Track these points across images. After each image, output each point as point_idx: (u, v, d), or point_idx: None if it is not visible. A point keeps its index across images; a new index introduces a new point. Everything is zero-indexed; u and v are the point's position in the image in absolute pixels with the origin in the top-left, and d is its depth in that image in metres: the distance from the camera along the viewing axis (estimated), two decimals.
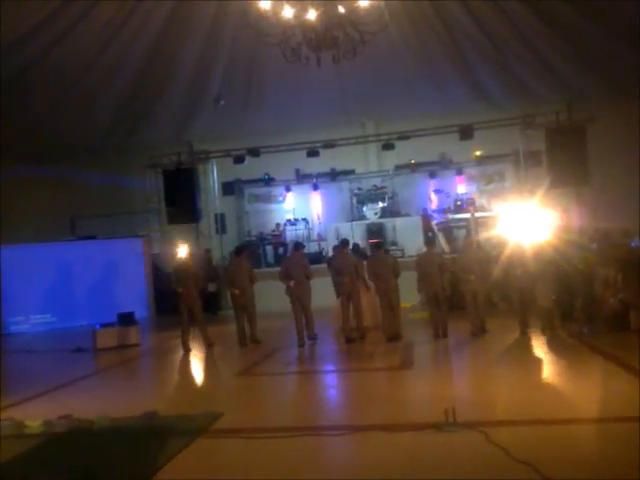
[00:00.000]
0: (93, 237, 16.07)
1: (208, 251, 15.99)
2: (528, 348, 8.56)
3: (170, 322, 14.28)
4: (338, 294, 10.00)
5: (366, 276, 9.81)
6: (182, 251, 11.15)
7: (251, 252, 15.46)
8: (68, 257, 15.24)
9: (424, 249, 10.77)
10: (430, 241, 11.43)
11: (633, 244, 10.73)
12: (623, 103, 14.88)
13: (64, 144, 16.46)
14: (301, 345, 9.68)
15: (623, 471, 4.08)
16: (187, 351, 10.02)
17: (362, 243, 16.12)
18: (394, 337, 9.43)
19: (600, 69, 14.22)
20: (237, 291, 9.96)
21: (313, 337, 9.90)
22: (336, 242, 14.46)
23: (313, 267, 10.51)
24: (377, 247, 10.57)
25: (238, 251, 10.73)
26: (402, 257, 14.17)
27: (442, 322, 9.45)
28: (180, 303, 10.16)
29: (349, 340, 9.58)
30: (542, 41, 13.49)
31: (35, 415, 6.21)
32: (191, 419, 5.85)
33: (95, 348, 10.78)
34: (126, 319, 11.19)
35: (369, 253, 12.43)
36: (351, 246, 10.74)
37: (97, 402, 6.98)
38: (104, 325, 11.16)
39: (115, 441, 5.37)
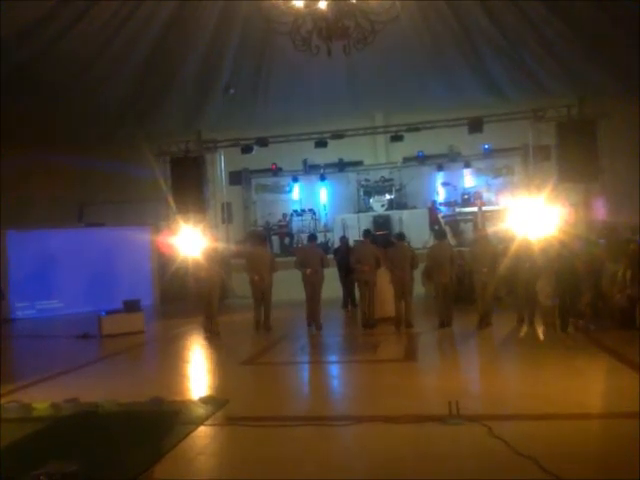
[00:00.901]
0: (101, 224, 16.13)
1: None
2: (531, 343, 8.55)
3: (175, 310, 14.43)
4: (357, 282, 10.43)
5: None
6: (206, 239, 11.63)
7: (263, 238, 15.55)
8: (75, 244, 15.31)
9: (431, 242, 10.91)
10: (441, 234, 11.60)
11: None
12: (634, 99, 14.72)
13: (74, 131, 16.48)
14: (319, 329, 10.21)
15: (625, 467, 4.07)
16: (208, 335, 10.33)
17: None
18: (406, 325, 9.80)
19: (613, 65, 14.05)
20: (257, 277, 10.34)
21: (319, 325, 10.31)
22: (342, 234, 14.55)
23: None
24: (398, 238, 10.83)
25: (261, 240, 11.44)
26: None
27: (448, 312, 9.75)
28: (202, 289, 10.46)
29: (366, 326, 10.02)
30: (555, 35, 13.34)
31: (41, 399, 6.26)
32: (196, 405, 5.89)
33: (100, 334, 10.85)
34: (131, 306, 11.24)
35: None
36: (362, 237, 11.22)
37: (102, 387, 7.03)
38: (109, 312, 11.22)
39: (121, 425, 5.42)
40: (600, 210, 14.54)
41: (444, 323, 9.67)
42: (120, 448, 4.80)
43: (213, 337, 10.24)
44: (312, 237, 11.26)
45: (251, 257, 10.99)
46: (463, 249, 12.21)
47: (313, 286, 10.27)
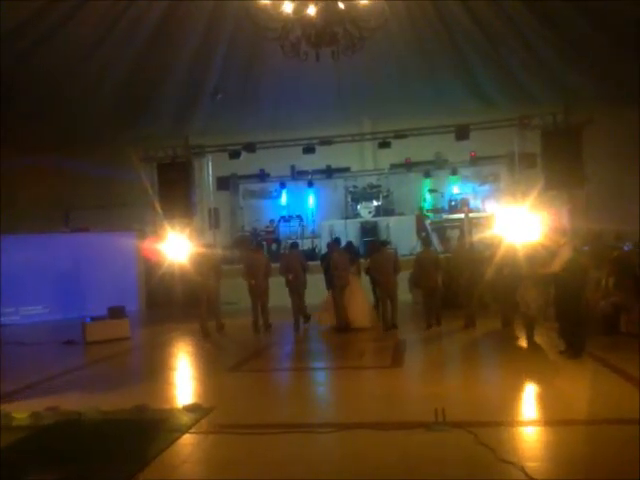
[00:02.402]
0: (86, 230, 15.99)
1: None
2: (516, 349, 8.57)
3: (161, 316, 14.31)
4: (334, 288, 10.65)
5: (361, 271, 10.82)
6: (200, 244, 12.30)
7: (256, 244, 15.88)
8: (60, 249, 15.15)
9: (418, 248, 11.61)
10: (427, 241, 12.41)
11: (625, 247, 10.79)
12: (620, 107, 14.91)
13: (60, 135, 16.35)
14: (297, 329, 10.76)
15: (610, 473, 4.09)
16: (206, 336, 10.71)
17: (355, 241, 16.18)
18: (391, 327, 10.24)
19: (598, 72, 14.25)
20: (253, 281, 10.85)
21: (307, 317, 11.10)
22: (329, 240, 14.56)
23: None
24: (382, 244, 11.62)
25: (257, 247, 12.48)
26: None
27: (436, 312, 10.39)
28: (200, 292, 10.88)
29: (340, 330, 10.31)
30: (541, 42, 13.51)
31: (24, 407, 6.18)
32: (181, 413, 5.83)
33: (85, 341, 10.73)
34: (116, 312, 11.14)
35: (362, 252, 13.63)
36: (344, 244, 11.95)
37: (86, 394, 6.94)
38: (94, 318, 11.12)
39: (104, 434, 5.35)
40: (584, 217, 14.66)
41: (431, 325, 10.16)
42: (103, 457, 4.74)
43: (208, 339, 10.63)
44: (294, 245, 12.23)
45: (248, 262, 11.39)
46: (449, 255, 12.32)
47: (296, 290, 10.79)
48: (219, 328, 11.16)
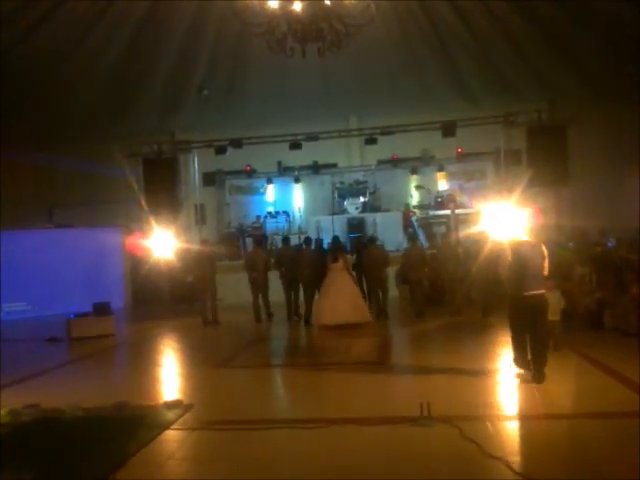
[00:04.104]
0: (71, 226, 15.82)
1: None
2: (503, 343, 8.61)
3: (147, 312, 14.23)
4: (304, 285, 11.35)
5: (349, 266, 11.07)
6: (199, 241, 13.33)
7: (231, 243, 16.35)
8: (45, 245, 14.95)
9: (405, 244, 12.23)
10: (414, 237, 13.00)
11: (609, 244, 10.91)
12: (604, 104, 15.06)
13: (43, 130, 16.17)
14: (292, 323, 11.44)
15: (594, 467, 4.13)
16: (207, 324, 11.56)
17: (342, 237, 16.19)
18: (382, 317, 10.97)
19: (582, 70, 14.35)
20: (255, 274, 11.54)
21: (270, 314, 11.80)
22: (316, 235, 14.69)
23: None
24: (370, 240, 12.33)
25: (258, 242, 13.35)
26: None
27: (422, 303, 11.14)
28: (199, 286, 11.73)
29: (308, 322, 10.96)
30: (526, 40, 13.58)
31: (5, 404, 6.09)
32: (161, 410, 5.79)
33: (69, 338, 10.63)
34: (102, 309, 11.04)
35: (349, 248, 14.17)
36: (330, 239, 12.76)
37: (68, 392, 6.86)
38: (79, 315, 11.01)
39: (84, 431, 5.28)
40: (569, 214, 14.80)
41: (420, 314, 10.88)
42: (81, 454, 4.67)
43: (211, 327, 11.46)
44: (258, 243, 13.36)
45: (249, 257, 12.25)
46: (434, 252, 12.43)
47: (259, 288, 11.56)
48: (215, 322, 11.61)
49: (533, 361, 6.30)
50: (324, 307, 10.37)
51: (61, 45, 12.63)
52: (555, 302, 7.28)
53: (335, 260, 10.68)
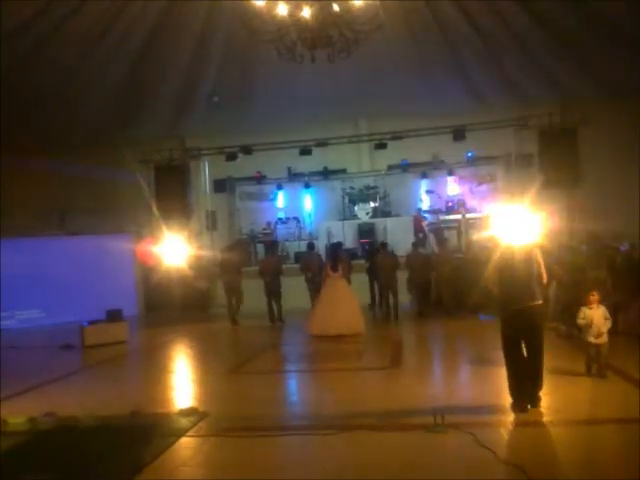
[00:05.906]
0: (82, 233, 15.93)
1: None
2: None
3: (160, 319, 14.29)
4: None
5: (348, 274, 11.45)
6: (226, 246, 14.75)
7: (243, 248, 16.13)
8: (57, 252, 15.07)
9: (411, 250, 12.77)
10: (417, 242, 13.71)
11: (623, 247, 10.79)
12: (616, 106, 14.92)
13: (55, 137, 16.30)
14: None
15: (609, 474, 4.08)
16: (235, 324, 12.36)
17: (353, 243, 16.21)
18: (394, 318, 11.71)
19: (593, 71, 14.25)
20: (268, 279, 12.09)
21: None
22: (327, 241, 14.74)
23: None
24: (382, 246, 13.01)
25: (270, 248, 14.25)
26: None
27: (426, 304, 12.17)
28: (226, 289, 12.60)
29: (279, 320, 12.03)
30: (536, 43, 13.51)
31: (21, 412, 6.13)
32: (176, 418, 5.81)
33: (83, 345, 10.69)
34: (114, 316, 11.11)
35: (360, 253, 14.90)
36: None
37: (83, 399, 6.90)
38: (92, 322, 11.06)
39: (100, 439, 5.31)
40: (582, 217, 14.68)
41: (422, 313, 11.87)
42: (98, 462, 4.70)
43: (235, 325, 12.33)
44: (270, 249, 14.20)
45: (262, 263, 12.96)
46: (434, 257, 12.89)
47: (272, 293, 12.14)
48: (234, 322, 12.36)
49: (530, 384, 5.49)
50: (317, 317, 10.18)
51: (73, 51, 12.74)
52: (600, 321, 6.46)
53: (334, 268, 10.43)
